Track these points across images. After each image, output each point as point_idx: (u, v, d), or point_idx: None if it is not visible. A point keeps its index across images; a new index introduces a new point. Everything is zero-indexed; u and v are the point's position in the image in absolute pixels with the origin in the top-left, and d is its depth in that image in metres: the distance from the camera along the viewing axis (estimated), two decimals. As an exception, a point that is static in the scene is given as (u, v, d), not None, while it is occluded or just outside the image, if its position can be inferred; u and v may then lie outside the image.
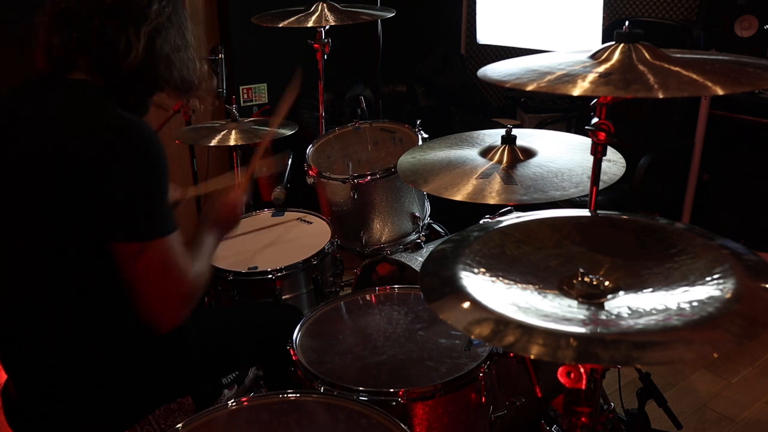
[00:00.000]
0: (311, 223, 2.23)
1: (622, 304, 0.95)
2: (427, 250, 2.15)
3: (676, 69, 1.10)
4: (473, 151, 1.70)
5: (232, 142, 2.23)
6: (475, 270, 1.04)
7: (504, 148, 1.64)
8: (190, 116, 2.62)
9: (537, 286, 1.01)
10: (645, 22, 3.16)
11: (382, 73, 3.18)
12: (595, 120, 1.25)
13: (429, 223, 2.35)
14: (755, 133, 2.81)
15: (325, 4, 2.35)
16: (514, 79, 1.17)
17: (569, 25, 3.49)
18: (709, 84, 1.04)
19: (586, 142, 1.41)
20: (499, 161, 1.61)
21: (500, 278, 1.02)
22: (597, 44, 1.42)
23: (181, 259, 1.24)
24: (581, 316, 0.92)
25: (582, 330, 0.87)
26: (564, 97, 3.75)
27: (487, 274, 1.03)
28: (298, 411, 1.25)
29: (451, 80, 3.99)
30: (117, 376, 1.33)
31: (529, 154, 1.64)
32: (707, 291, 0.94)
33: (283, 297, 1.93)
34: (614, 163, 1.57)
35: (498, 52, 4.12)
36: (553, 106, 3.74)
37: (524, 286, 1.01)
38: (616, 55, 1.17)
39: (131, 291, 1.21)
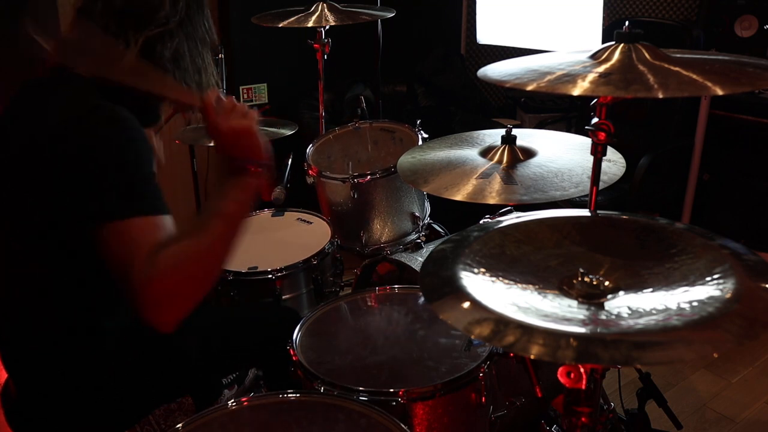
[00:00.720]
0: (311, 223, 2.23)
1: (622, 304, 0.95)
2: (427, 250, 2.15)
3: (676, 69, 1.10)
4: (473, 151, 1.70)
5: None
6: (475, 270, 1.04)
7: (504, 148, 1.64)
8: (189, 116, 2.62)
9: (537, 286, 1.01)
10: (645, 22, 3.16)
11: (382, 73, 3.18)
12: (595, 120, 1.25)
13: (429, 223, 2.35)
14: (755, 133, 2.81)
15: (325, 4, 2.35)
16: (514, 79, 1.17)
17: (569, 25, 3.49)
18: (709, 84, 1.04)
19: (586, 142, 1.41)
20: (499, 161, 1.61)
21: (500, 278, 1.02)
22: (597, 44, 1.42)
23: (153, 245, 1.07)
24: (581, 316, 0.92)
25: (582, 330, 0.87)
26: (564, 97, 3.76)
27: (487, 274, 1.03)
28: (298, 411, 1.25)
29: (451, 80, 3.99)
30: (117, 375, 1.33)
31: (529, 154, 1.64)
32: (707, 291, 0.94)
33: (283, 297, 1.93)
34: (614, 163, 1.57)
35: (498, 52, 4.12)
36: (553, 106, 3.74)
37: (524, 286, 1.01)
38: (616, 55, 1.17)
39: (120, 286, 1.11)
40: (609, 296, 0.98)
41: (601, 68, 1.13)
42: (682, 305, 0.91)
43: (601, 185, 1.39)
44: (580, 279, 0.99)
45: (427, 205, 2.32)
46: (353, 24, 2.32)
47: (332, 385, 1.39)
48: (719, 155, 2.96)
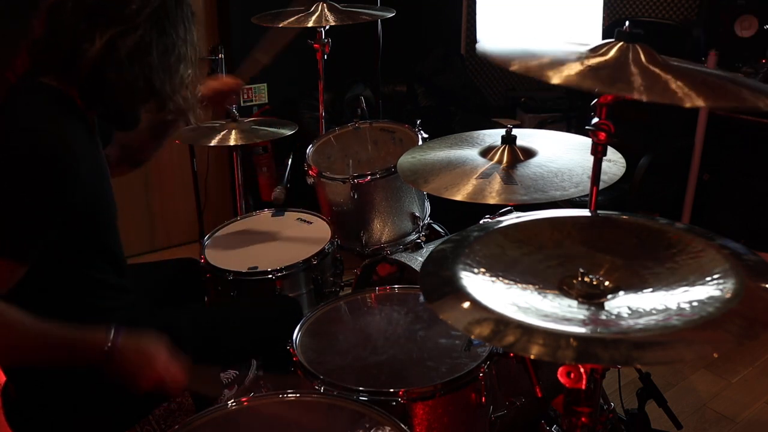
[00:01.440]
0: (311, 223, 2.23)
1: (622, 304, 0.95)
2: (427, 250, 2.15)
3: (667, 76, 1.07)
4: (473, 151, 1.70)
5: (232, 142, 2.22)
6: (475, 270, 1.04)
7: (504, 148, 1.64)
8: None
9: (537, 286, 1.01)
10: (645, 22, 3.16)
11: (382, 73, 3.18)
12: (595, 120, 1.25)
13: (429, 223, 2.35)
14: (755, 133, 2.81)
15: (325, 4, 2.35)
16: (503, 56, 1.15)
17: (569, 24, 3.49)
18: (693, 94, 1.01)
19: (586, 142, 1.41)
20: (499, 161, 1.61)
21: (500, 278, 1.02)
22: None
23: None
24: (581, 316, 0.92)
25: (582, 330, 0.87)
26: (564, 97, 3.76)
27: (487, 274, 1.03)
28: (298, 411, 1.25)
29: (451, 80, 3.99)
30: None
31: (529, 154, 1.64)
32: (707, 291, 0.94)
33: (283, 297, 1.93)
34: (614, 163, 1.57)
35: (498, 52, 4.11)
36: (553, 106, 3.74)
37: (524, 286, 1.01)
38: (612, 52, 1.16)
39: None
40: (609, 296, 0.98)
41: (594, 61, 1.12)
42: (682, 305, 0.91)
43: (601, 185, 1.39)
44: (580, 279, 0.99)
45: (427, 205, 2.32)
46: (353, 24, 2.32)
47: (332, 385, 1.39)
48: (719, 155, 2.96)
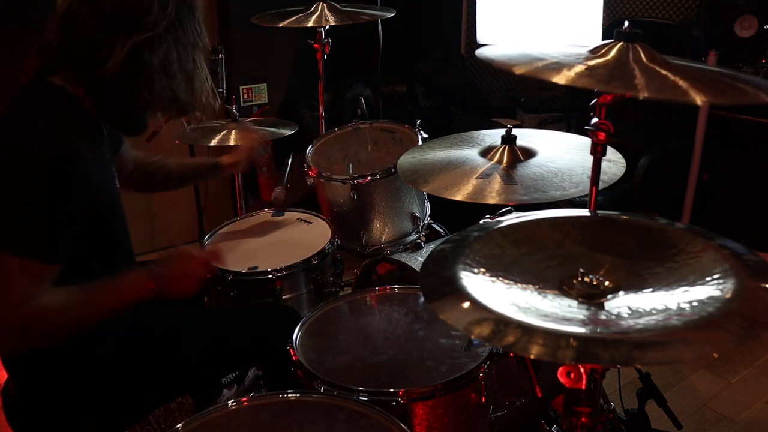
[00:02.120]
0: (311, 223, 2.23)
1: (622, 304, 0.95)
2: (427, 250, 2.15)
3: (665, 73, 1.08)
4: (473, 151, 1.70)
5: (232, 143, 2.22)
6: (475, 270, 1.04)
7: (504, 148, 1.64)
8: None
9: (537, 286, 1.01)
10: (645, 22, 3.16)
11: (382, 73, 3.18)
12: (595, 120, 1.25)
13: (429, 223, 2.35)
14: (755, 133, 2.81)
15: (325, 4, 2.35)
16: (504, 60, 1.16)
17: (569, 25, 3.49)
18: (691, 91, 1.02)
19: (586, 142, 1.41)
20: (499, 161, 1.61)
21: (500, 278, 1.02)
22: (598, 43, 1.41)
23: (19, 288, 1.13)
24: (581, 316, 0.92)
25: (582, 330, 0.87)
26: (564, 97, 3.76)
27: (487, 274, 1.03)
28: (298, 411, 1.25)
29: (451, 80, 3.99)
30: (117, 376, 1.33)
31: (529, 154, 1.64)
32: (707, 291, 0.94)
33: (283, 297, 1.93)
34: (614, 163, 1.57)
35: (498, 52, 4.11)
36: (553, 106, 3.74)
37: (524, 286, 1.01)
38: (613, 53, 1.16)
39: None
40: (609, 296, 0.98)
41: (593, 62, 1.12)
42: (682, 305, 0.91)
43: (601, 185, 1.39)
44: (580, 279, 0.99)
45: (427, 205, 2.32)
46: (353, 24, 2.32)
47: (332, 385, 1.39)
48: (719, 155, 2.96)
